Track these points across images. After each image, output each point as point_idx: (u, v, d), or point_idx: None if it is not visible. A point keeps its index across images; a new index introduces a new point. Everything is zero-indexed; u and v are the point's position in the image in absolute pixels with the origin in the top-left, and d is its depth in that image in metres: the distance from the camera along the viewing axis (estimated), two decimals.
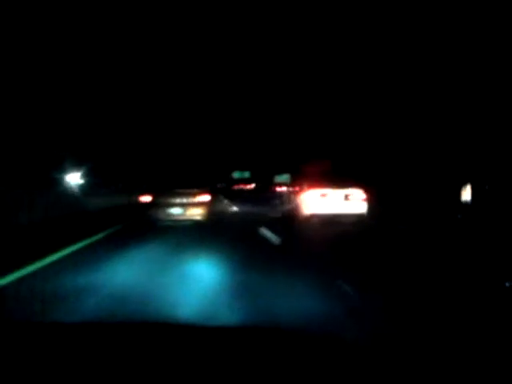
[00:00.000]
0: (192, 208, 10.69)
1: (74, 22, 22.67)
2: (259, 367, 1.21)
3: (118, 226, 11.53)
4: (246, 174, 71.71)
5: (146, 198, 10.97)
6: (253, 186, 62.74)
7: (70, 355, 1.28)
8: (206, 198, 11.03)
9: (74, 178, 19.57)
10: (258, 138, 59.13)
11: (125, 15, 29.26)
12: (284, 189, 16.41)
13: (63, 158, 19.27)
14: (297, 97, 35.17)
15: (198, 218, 10.73)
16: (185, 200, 10.67)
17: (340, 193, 11.92)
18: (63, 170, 18.95)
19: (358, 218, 11.87)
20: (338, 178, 12.43)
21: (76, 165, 20.14)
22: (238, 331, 1.67)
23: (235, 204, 21.36)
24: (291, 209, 13.51)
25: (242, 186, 65.37)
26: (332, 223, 11.63)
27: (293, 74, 35.48)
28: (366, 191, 12.29)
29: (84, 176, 20.27)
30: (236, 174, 71.87)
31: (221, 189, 38.91)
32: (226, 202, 22.46)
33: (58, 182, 17.94)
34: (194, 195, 10.80)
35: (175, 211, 10.69)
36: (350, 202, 11.92)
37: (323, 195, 11.94)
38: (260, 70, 46.30)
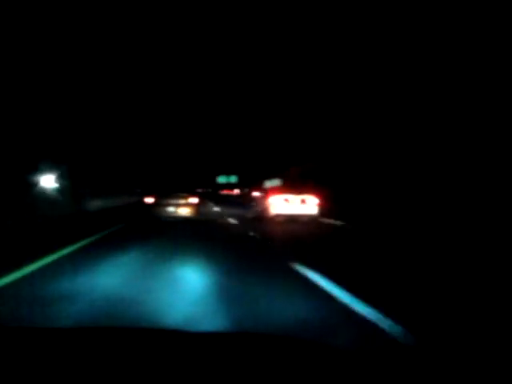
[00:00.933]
0: (184, 208, 14.44)
1: (59, 21, 21.70)
2: (246, 373, 1.21)
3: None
4: (233, 179, 68.52)
5: (150, 200, 14.56)
6: (238, 191, 62.15)
7: (54, 361, 1.26)
8: (195, 200, 14.87)
9: (48, 181, 18.69)
10: (246, 140, 57.90)
11: (117, 14, 28.86)
12: (257, 194, 20.04)
13: (37, 159, 18.69)
14: (286, 100, 35.44)
15: (189, 215, 14.63)
16: (179, 201, 14.41)
17: (298, 198, 15.49)
18: (38, 172, 18.12)
19: (311, 217, 15.47)
20: (297, 186, 15.97)
21: (51, 167, 19.19)
22: (226, 336, 1.68)
23: (220, 207, 25.55)
24: (261, 210, 17.01)
25: (226, 192, 64.13)
26: (291, 221, 15.20)
27: (282, 76, 35.60)
28: (321, 197, 15.91)
29: (59, 179, 19.30)
30: (221, 179, 68.83)
31: (205, 193, 40.61)
32: (211, 204, 26.65)
33: (34, 185, 17.51)
34: (186, 198, 14.54)
35: (172, 210, 14.57)
36: (306, 205, 15.50)
37: (285, 200, 15.51)
38: (250, 71, 45.59)
